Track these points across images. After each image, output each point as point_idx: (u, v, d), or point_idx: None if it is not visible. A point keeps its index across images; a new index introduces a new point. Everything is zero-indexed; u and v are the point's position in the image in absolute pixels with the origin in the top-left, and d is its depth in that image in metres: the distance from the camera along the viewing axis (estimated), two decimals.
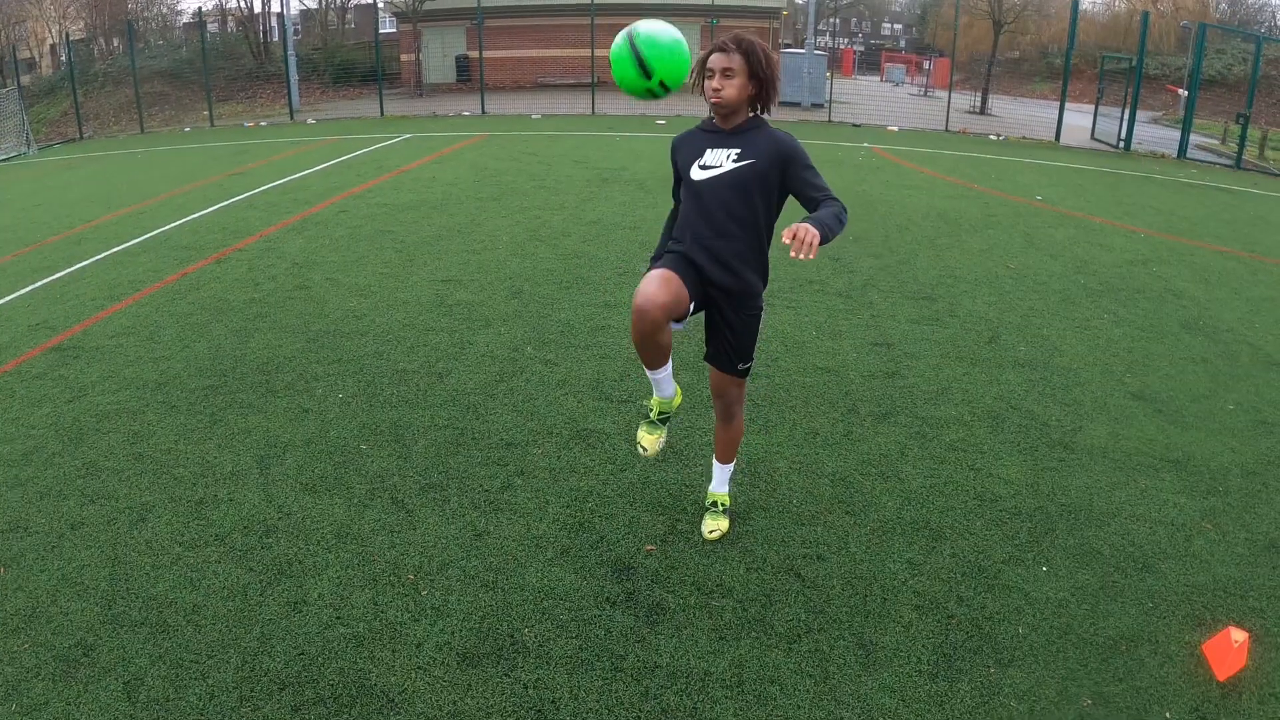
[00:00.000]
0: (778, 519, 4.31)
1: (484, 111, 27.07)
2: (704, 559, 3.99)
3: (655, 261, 3.76)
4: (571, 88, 34.24)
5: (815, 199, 3.51)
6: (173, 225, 11.42)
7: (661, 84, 3.50)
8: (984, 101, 31.36)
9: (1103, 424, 5.42)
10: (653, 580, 3.85)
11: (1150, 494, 4.62)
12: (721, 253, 3.63)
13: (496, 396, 5.73)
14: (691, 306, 3.64)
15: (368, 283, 8.32)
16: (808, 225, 3.19)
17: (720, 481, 4.26)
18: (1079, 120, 25.13)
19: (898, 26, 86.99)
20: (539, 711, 3.16)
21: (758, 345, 3.89)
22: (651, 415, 4.08)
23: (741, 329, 3.78)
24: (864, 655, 3.41)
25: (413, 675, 3.35)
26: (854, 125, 23.78)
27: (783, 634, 3.53)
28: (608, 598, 3.75)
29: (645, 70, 3.46)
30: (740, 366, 3.86)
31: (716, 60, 3.53)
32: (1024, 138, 23.52)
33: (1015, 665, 3.38)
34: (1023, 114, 28.15)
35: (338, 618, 3.67)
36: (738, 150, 3.57)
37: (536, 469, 4.82)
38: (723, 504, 4.28)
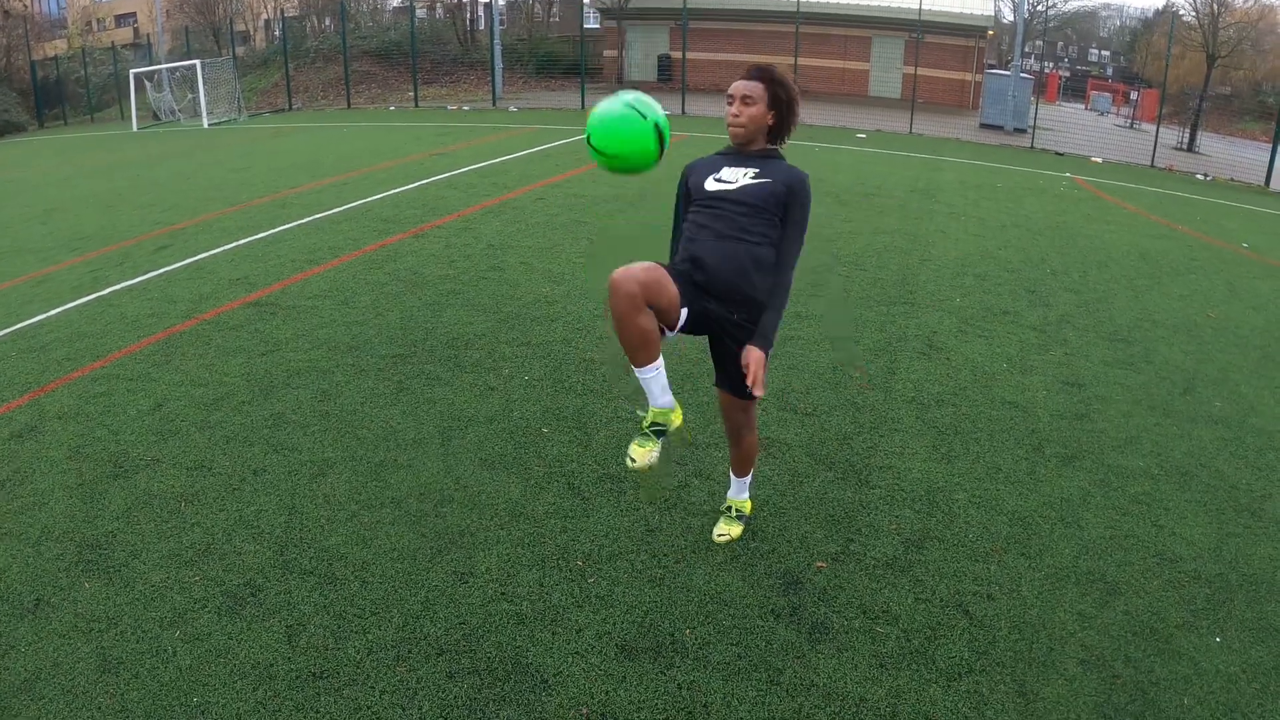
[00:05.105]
0: (951, 552, 4.19)
1: (684, 112, 27.01)
2: (873, 583, 3.93)
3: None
4: None
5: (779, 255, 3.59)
6: (374, 198, 11.91)
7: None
8: (1192, 138, 29.79)
9: None
10: (819, 598, 3.81)
11: None
12: (736, 253, 3.53)
13: (681, 396, 5.68)
14: (684, 315, 3.51)
15: (561, 270, 8.45)
16: (757, 354, 3.43)
17: (738, 490, 4.25)
18: None
19: (1105, 53, 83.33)
20: (689, 713, 3.17)
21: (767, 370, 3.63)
22: (643, 425, 3.63)
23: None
24: (1023, 704, 3.30)
25: (569, 660, 3.40)
26: (1057, 154, 22.90)
27: (943, 670, 3.44)
28: (772, 609, 3.72)
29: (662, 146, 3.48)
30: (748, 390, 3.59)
31: (738, 87, 3.67)
32: (1232, 179, 22.18)
33: None
34: (1232, 154, 26.55)
35: (502, 593, 3.77)
36: (755, 169, 3.64)
37: (715, 471, 4.80)
38: (739, 510, 4.25)
